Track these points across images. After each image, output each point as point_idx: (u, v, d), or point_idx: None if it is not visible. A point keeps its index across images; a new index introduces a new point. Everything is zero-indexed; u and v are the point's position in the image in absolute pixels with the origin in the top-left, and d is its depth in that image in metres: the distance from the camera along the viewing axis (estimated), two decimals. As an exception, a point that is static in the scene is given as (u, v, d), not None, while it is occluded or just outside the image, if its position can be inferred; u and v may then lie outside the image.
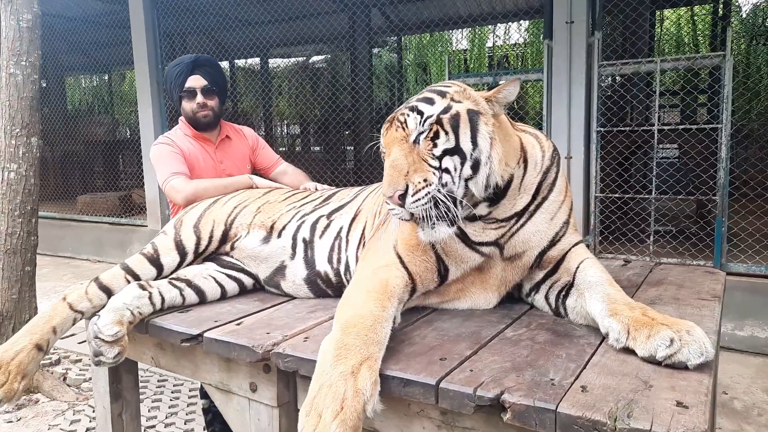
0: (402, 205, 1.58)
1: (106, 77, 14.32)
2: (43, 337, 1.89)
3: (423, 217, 1.59)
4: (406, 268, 1.77)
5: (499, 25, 12.33)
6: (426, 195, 1.56)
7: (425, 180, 1.58)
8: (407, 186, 1.57)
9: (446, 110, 1.64)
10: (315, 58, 12.42)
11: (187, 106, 2.76)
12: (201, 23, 7.39)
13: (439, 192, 1.58)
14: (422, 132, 1.62)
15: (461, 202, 1.63)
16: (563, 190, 1.88)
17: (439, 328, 1.72)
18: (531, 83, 9.21)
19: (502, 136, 1.71)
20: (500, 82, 5.14)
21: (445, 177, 1.60)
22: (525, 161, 1.81)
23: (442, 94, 1.70)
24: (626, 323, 1.46)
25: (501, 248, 1.81)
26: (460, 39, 14.14)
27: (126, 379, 2.25)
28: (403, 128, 1.65)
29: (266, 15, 7.90)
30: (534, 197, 1.82)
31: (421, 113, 1.64)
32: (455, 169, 1.61)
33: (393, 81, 11.95)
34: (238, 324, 1.84)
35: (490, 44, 13.34)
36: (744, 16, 11.27)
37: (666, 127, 4.38)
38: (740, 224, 4.53)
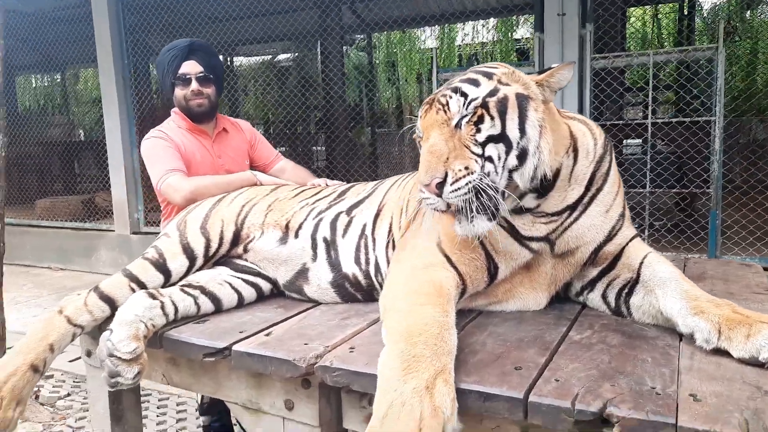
0: (439, 195, 1.41)
1: (58, 77, 13.64)
2: (39, 357, 1.65)
3: (461, 208, 1.43)
4: (455, 267, 1.61)
5: (468, 23, 12.33)
6: (467, 184, 1.40)
7: (467, 168, 1.42)
8: (446, 173, 1.41)
9: (493, 93, 1.49)
10: (283, 56, 12.12)
11: (180, 93, 2.51)
12: (163, 19, 6.99)
13: (482, 181, 1.42)
14: (465, 116, 1.47)
15: (503, 193, 1.48)
16: (617, 181, 1.76)
17: (495, 333, 1.56)
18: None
19: (551, 124, 1.56)
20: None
21: (488, 166, 1.45)
22: (575, 150, 1.67)
23: (489, 76, 1.54)
24: (716, 322, 1.34)
25: (552, 244, 1.67)
26: (426, 37, 14.10)
27: (127, 399, 2.01)
28: (445, 111, 1.49)
29: (232, 11, 7.57)
30: (587, 188, 1.68)
31: (465, 95, 1.49)
32: (499, 158, 1.46)
33: (363, 79, 11.78)
34: (267, 335, 1.63)
35: (458, 42, 13.34)
36: (705, 14, 11.58)
37: (659, 120, 4.34)
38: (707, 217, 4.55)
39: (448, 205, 1.45)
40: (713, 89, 4.14)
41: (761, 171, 6.41)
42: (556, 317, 1.67)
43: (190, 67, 2.49)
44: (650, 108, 4.23)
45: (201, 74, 2.50)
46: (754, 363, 1.25)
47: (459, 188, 1.40)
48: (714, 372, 1.25)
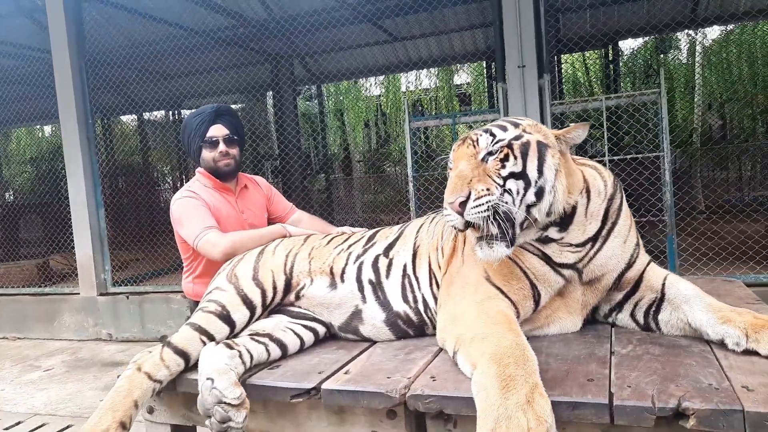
0: (461, 213, 1.63)
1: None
2: (126, 413, 1.71)
3: (480, 227, 1.64)
4: (508, 297, 1.82)
5: (412, 72, 12.96)
6: (487, 203, 1.63)
7: (488, 189, 1.65)
8: (469, 193, 1.64)
9: (518, 138, 1.76)
10: (234, 107, 12.23)
11: (208, 155, 2.66)
12: (108, 76, 6.91)
13: (499, 204, 1.64)
14: (492, 152, 1.73)
15: (521, 224, 1.72)
16: (629, 215, 2.04)
17: (551, 354, 1.77)
18: (480, 124, 9.70)
19: (566, 170, 1.84)
20: (458, 124, 5.39)
21: (507, 197, 1.68)
22: (588, 191, 1.94)
23: (516, 125, 1.82)
24: (743, 327, 1.61)
25: (580, 273, 1.92)
26: (371, 85, 14.65)
27: (189, 454, 2.06)
28: (474, 146, 1.76)
29: (186, 67, 7.65)
30: (604, 223, 1.95)
31: (493, 135, 1.77)
32: (517, 193, 1.71)
33: (314, 127, 12.09)
34: (346, 372, 1.77)
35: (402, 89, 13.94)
36: (626, 59, 12.70)
37: (616, 158, 4.81)
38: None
39: (466, 225, 1.66)
40: (659, 127, 4.63)
41: (686, 197, 7.06)
42: (595, 336, 1.91)
43: (217, 131, 2.65)
44: (606, 146, 4.67)
45: (227, 136, 2.67)
46: (780, 358, 1.52)
47: (480, 205, 1.63)
48: (752, 368, 1.51)
